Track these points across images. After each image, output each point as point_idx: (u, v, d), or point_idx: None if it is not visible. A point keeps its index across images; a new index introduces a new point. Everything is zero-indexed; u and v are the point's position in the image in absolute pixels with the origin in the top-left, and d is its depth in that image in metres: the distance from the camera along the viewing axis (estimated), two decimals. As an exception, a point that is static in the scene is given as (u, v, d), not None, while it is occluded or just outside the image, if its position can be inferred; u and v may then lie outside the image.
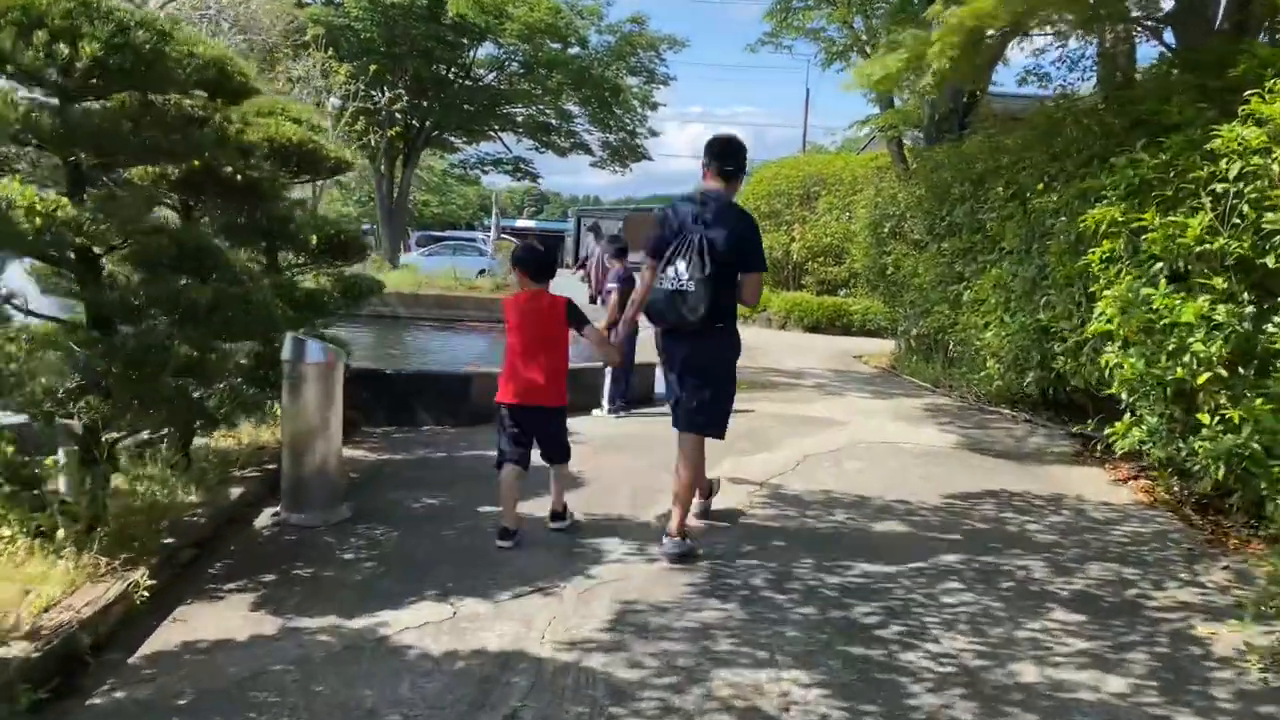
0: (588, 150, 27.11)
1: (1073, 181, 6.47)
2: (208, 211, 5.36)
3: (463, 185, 49.84)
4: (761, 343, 13.17)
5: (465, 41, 23.02)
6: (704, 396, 4.53)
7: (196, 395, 4.29)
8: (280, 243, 5.59)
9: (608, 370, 7.72)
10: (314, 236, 6.09)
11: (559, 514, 4.74)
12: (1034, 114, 7.86)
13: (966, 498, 5.67)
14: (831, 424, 7.66)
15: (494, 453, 4.64)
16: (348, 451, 6.20)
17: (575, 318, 4.60)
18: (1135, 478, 6.27)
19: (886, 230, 11.19)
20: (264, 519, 4.76)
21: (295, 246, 5.63)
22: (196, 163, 4.69)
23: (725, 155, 4.55)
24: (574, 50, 23.84)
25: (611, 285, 7.79)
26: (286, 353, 4.68)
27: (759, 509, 5.30)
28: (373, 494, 5.28)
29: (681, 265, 4.33)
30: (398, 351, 12.92)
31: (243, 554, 4.29)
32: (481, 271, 36.81)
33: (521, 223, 74.59)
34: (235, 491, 4.84)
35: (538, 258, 4.65)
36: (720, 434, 4.68)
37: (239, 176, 4.74)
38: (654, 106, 26.54)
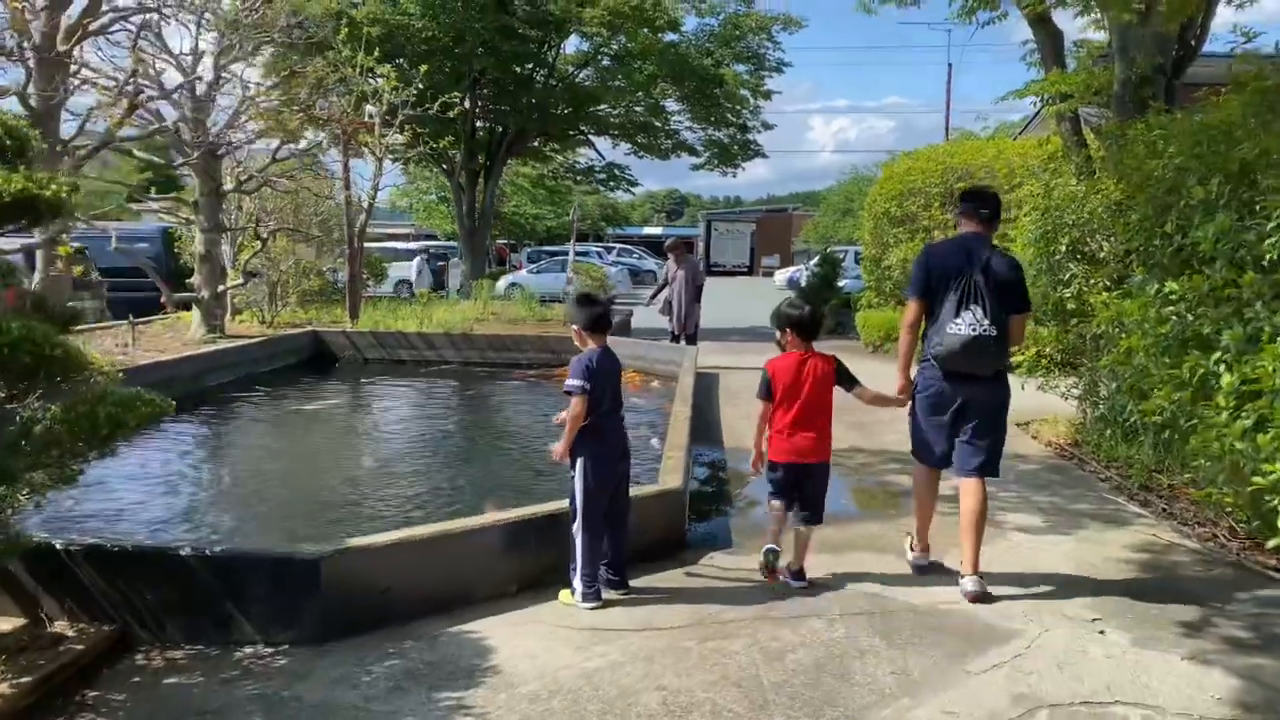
0: (691, 150, 23.73)
1: None
2: None
3: (583, 195, 47.27)
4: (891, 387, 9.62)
5: (540, 34, 20.16)
6: (986, 441, 4.65)
7: None
8: None
9: (577, 523, 4.52)
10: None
11: (799, 573, 4.72)
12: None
13: None
14: (975, 635, 4.21)
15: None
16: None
17: (846, 378, 4.68)
18: None
19: (1064, 248, 7.57)
20: None
21: None
22: None
23: (982, 201, 4.76)
24: (670, 37, 20.63)
25: (575, 384, 4.53)
26: None
27: None
28: None
29: (978, 311, 4.43)
30: (396, 439, 10.02)
31: None
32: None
33: (649, 229, 72.02)
34: None
35: (804, 316, 4.64)
36: (996, 473, 4.76)
37: None
38: (767, 96, 22.98)
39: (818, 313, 4.73)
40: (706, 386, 11.41)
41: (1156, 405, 5.36)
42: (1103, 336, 6.18)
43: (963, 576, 4.56)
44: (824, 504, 4.71)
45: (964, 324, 4.43)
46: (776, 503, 4.68)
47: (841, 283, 21.68)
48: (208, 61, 12.42)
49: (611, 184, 25.95)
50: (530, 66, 21.62)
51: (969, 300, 4.42)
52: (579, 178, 26.77)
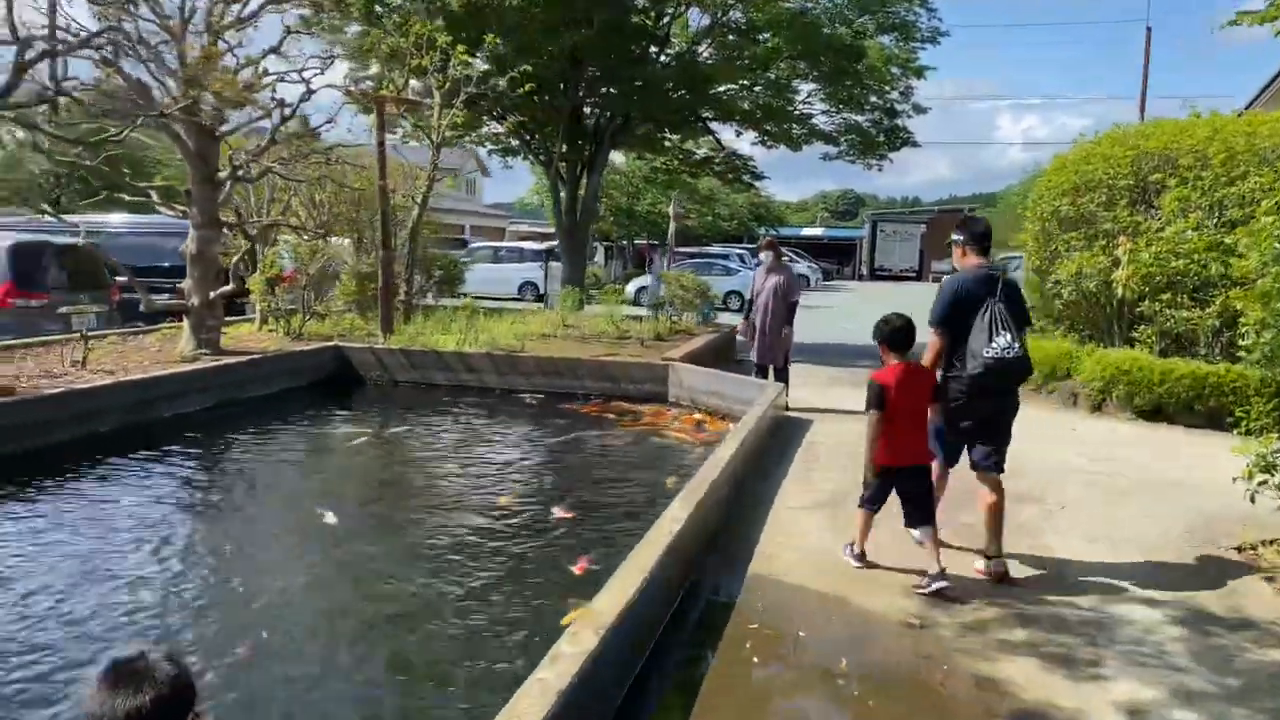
0: (826, 138, 20.34)
1: None
2: None
3: (733, 194, 44.16)
4: (1043, 456, 6.38)
5: (648, 4, 17.42)
6: (1001, 444, 5.14)
7: None
8: None
9: None
10: None
11: (937, 575, 4.81)
12: None
13: None
14: None
15: None
16: None
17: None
18: None
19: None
20: None
21: None
22: None
23: (983, 234, 5.22)
24: (794, 4, 17.45)
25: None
26: None
27: None
28: None
29: (1008, 335, 4.84)
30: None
31: None
32: (732, 292, 30.96)
33: (809, 230, 68.00)
34: None
35: (894, 330, 5.03)
36: (1002, 469, 5.16)
37: None
38: (919, 73, 19.36)
39: (904, 328, 5.05)
40: (782, 444, 8.43)
41: None
42: None
43: (988, 559, 5.12)
44: (931, 503, 5.01)
45: (999, 348, 4.82)
46: (865, 511, 5.13)
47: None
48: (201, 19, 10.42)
49: (731, 177, 22.75)
50: (644, 44, 18.95)
51: (998, 326, 4.84)
52: (694, 170, 23.72)
